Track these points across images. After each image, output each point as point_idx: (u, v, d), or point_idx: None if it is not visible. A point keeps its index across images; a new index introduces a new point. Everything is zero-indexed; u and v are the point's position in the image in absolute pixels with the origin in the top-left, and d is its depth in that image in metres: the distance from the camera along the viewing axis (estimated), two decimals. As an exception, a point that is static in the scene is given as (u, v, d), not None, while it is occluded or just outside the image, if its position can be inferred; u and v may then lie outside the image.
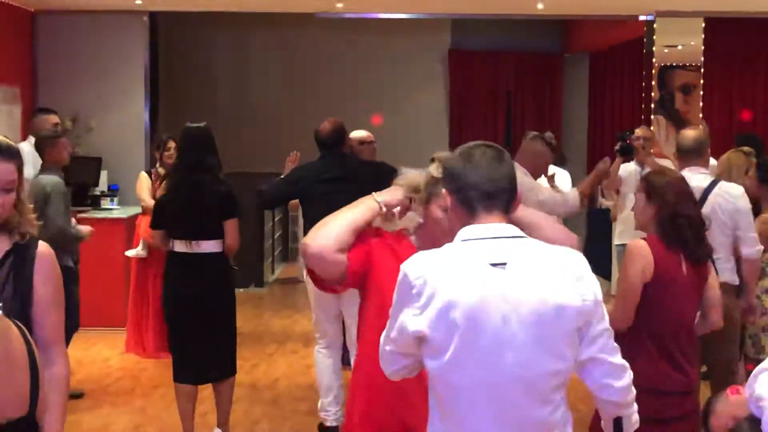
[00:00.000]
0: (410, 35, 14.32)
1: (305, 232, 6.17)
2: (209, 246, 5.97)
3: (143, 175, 8.87)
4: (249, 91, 14.78)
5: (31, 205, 3.02)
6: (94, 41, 10.88)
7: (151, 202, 8.24)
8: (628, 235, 7.27)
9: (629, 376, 2.64)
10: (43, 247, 2.95)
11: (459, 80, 14.68)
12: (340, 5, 10.68)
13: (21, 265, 2.88)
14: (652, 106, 11.20)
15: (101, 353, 8.72)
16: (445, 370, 2.51)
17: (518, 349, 2.48)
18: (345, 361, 6.58)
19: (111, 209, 10.23)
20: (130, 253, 8.63)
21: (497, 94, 14.79)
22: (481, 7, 11.33)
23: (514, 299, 2.48)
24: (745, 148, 6.63)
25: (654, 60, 11.16)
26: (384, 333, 2.62)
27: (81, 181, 10.59)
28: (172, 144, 8.67)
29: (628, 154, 8.03)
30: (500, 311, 2.47)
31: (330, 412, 6.47)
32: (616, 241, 8.65)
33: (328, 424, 6.48)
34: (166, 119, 13.11)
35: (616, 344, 2.63)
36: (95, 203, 10.37)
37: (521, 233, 2.60)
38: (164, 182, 7.91)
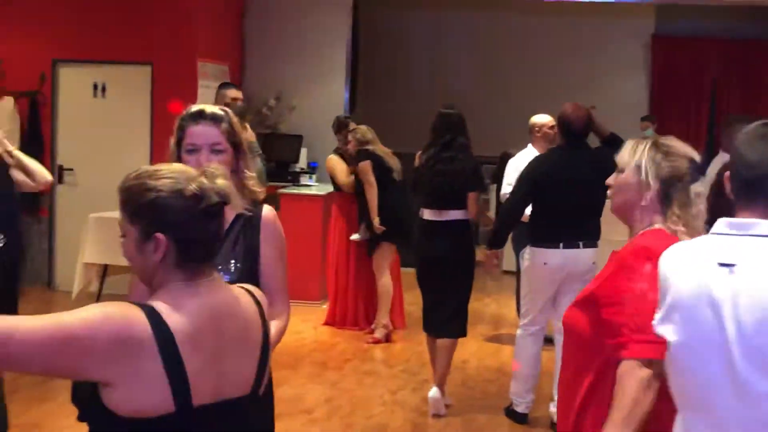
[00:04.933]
0: (612, 20, 14.03)
1: (539, 230, 6.33)
2: (454, 215, 6.64)
3: (337, 161, 9.09)
4: (444, 73, 14.83)
5: (254, 174, 3.24)
6: (300, 21, 11.16)
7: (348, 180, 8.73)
8: None
9: None
10: (266, 211, 3.22)
11: (662, 67, 14.28)
12: (542, -12, 10.57)
13: (249, 227, 3.17)
14: None
15: (296, 326, 8.94)
16: (670, 376, 2.32)
17: (739, 367, 2.16)
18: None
19: (310, 186, 10.50)
20: (355, 237, 8.83)
21: (702, 81, 14.31)
22: (688, -9, 10.99)
23: (739, 304, 2.16)
24: None
25: None
26: None
27: (282, 157, 10.93)
28: (352, 125, 9.02)
29: None
30: (721, 317, 2.18)
31: (526, 399, 6.47)
32: None
33: (519, 410, 6.47)
34: (364, 99, 13.32)
35: None
36: (295, 180, 10.65)
37: None
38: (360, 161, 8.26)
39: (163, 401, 2.13)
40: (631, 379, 2.58)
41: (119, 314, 2.13)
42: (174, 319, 2.16)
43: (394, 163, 8.65)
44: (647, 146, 2.89)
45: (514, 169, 6.97)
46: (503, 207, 6.66)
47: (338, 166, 9.05)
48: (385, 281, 8.63)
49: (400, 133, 11.55)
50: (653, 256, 2.57)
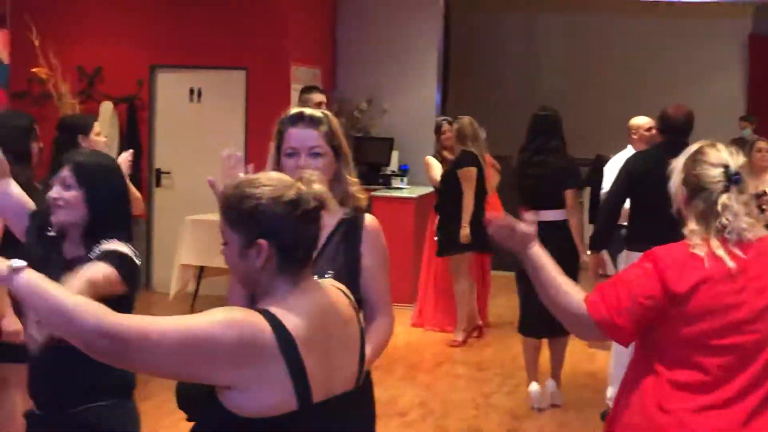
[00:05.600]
0: (707, 19, 13.78)
1: (636, 233, 6.23)
2: (552, 215, 6.70)
3: (433, 160, 9.08)
4: (537, 76, 14.73)
5: (355, 179, 3.17)
6: (392, 25, 11.20)
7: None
8: None
9: None
10: (369, 220, 3.14)
11: (760, 66, 13.97)
12: (636, -12, 10.43)
13: (350, 236, 3.10)
14: None
15: (388, 328, 8.95)
16: None
17: None
18: None
19: (401, 188, 10.53)
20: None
21: (802, 82, 13.97)
22: (788, -11, 10.73)
23: None
24: None
25: None
26: None
27: (373, 160, 10.99)
28: (447, 127, 8.99)
29: None
30: None
31: (620, 403, 6.42)
32: None
33: (614, 414, 6.41)
34: (455, 102, 13.30)
35: None
36: (386, 182, 10.70)
37: None
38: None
39: (287, 400, 2.21)
40: (573, 309, 2.77)
41: (243, 319, 2.19)
42: (290, 321, 2.23)
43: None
44: (689, 151, 2.88)
45: (614, 169, 6.90)
46: (601, 207, 6.59)
47: (434, 164, 9.02)
48: (461, 285, 8.59)
49: (492, 136, 11.49)
50: (655, 260, 2.75)
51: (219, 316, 2.18)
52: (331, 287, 2.45)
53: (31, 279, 2.15)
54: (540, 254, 2.88)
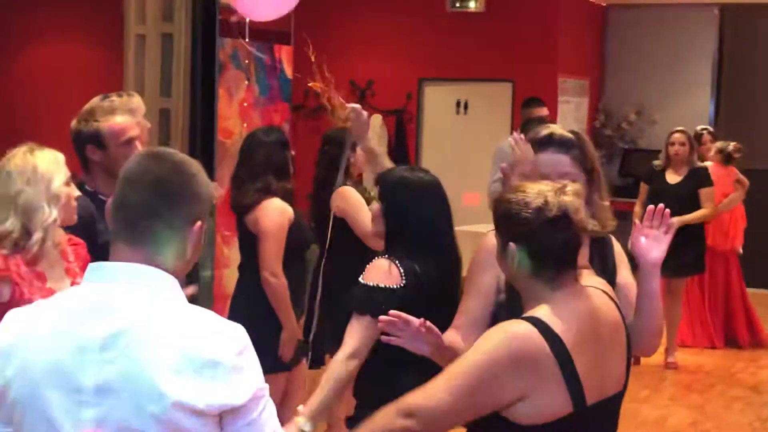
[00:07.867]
0: None
1: None
2: None
3: None
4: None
5: (606, 203, 2.92)
6: (663, 35, 10.91)
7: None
8: None
9: None
10: (612, 240, 2.96)
11: None
12: None
13: (603, 255, 2.90)
14: None
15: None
16: None
17: None
18: None
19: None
20: None
21: None
22: None
23: None
24: None
25: None
26: None
27: (641, 172, 10.68)
28: (707, 137, 8.65)
29: None
30: None
31: None
32: None
33: None
34: (728, 113, 12.74)
35: None
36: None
37: None
38: None
39: (563, 405, 2.27)
40: None
41: (512, 332, 2.28)
42: (558, 325, 2.29)
43: None
44: None
45: None
46: None
47: None
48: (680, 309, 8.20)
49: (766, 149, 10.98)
50: None
51: (490, 343, 2.28)
52: (599, 293, 2.46)
53: None
54: None
